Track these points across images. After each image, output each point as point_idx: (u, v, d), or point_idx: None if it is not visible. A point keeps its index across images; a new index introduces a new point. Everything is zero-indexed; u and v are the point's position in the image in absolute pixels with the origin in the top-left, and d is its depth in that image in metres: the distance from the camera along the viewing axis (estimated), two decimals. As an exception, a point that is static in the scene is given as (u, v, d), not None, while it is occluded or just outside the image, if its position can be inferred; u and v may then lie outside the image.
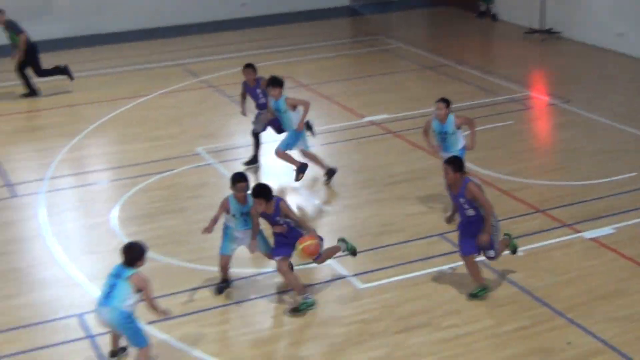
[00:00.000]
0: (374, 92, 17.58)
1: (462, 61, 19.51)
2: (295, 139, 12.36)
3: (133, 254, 7.71)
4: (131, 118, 16.32)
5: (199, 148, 14.32)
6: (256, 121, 13.37)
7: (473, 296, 9.21)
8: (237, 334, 8.70)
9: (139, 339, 7.80)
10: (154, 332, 8.67)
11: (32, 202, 12.44)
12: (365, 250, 10.39)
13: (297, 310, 9.07)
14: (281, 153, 12.43)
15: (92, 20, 23.26)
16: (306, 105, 12.27)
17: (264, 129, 13.29)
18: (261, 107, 13.22)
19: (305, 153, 12.64)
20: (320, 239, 9.06)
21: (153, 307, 7.80)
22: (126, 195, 12.49)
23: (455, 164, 8.94)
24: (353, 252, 9.73)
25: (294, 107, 12.19)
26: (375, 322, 8.98)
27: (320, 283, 9.87)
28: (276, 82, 12.14)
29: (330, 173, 12.67)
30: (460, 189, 8.91)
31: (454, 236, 9.63)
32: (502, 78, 18.00)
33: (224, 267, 9.50)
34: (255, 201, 8.89)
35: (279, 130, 12.96)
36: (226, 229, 9.40)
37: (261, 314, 9.24)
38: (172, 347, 8.59)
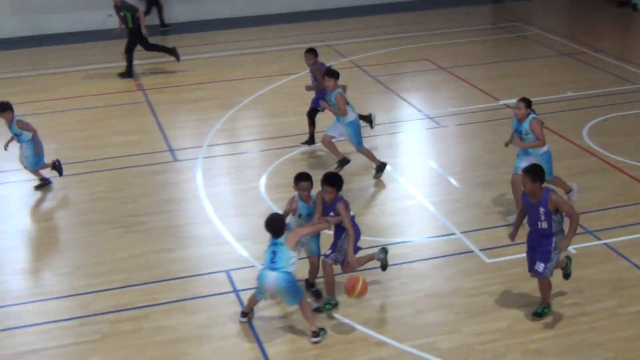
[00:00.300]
0: (511, 76, 17.19)
1: (600, 49, 18.77)
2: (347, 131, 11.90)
3: (276, 225, 7.96)
4: (282, 93, 16.59)
5: (342, 123, 14.41)
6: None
7: (537, 315, 8.41)
8: (368, 297, 8.79)
9: (299, 294, 8.06)
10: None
11: (191, 166, 12.89)
12: (494, 227, 10.28)
13: (319, 310, 8.59)
14: (327, 141, 12.04)
15: (258, 3, 23.86)
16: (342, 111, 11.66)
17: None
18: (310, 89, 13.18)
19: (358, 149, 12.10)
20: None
21: (315, 229, 8.40)
22: (274, 164, 12.75)
23: (535, 173, 7.90)
24: (384, 267, 9.03)
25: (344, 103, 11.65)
26: (498, 296, 8.88)
27: (448, 255, 9.83)
28: (332, 74, 11.78)
29: (381, 167, 12.10)
30: (540, 198, 7.93)
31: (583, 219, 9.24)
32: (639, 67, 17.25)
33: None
34: (325, 189, 8.36)
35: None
36: None
37: (390, 281, 9.28)
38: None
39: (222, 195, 11.87)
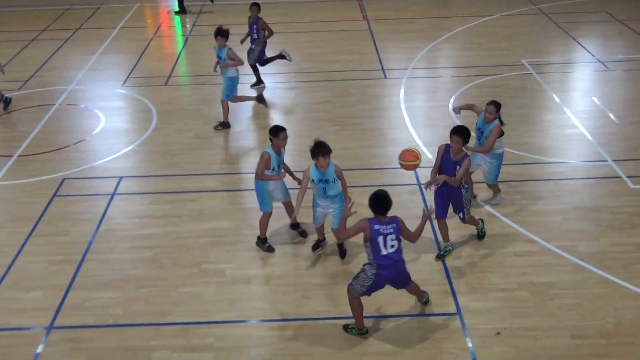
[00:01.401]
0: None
1: None
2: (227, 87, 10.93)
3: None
4: (476, 31, 16.06)
5: (524, 60, 13.84)
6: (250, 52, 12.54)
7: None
8: (525, 203, 8.63)
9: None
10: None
11: (396, 84, 12.96)
12: (643, 159, 9.67)
13: (440, 257, 7.80)
14: (223, 102, 11.04)
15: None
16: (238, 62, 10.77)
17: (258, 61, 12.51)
18: (253, 41, 12.38)
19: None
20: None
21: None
22: (462, 89, 12.55)
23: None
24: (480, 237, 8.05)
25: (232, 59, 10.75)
26: (637, 216, 8.42)
27: (599, 178, 9.38)
28: (221, 33, 10.72)
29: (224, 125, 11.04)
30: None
31: None
32: None
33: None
34: (453, 138, 7.28)
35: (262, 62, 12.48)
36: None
37: (545, 192, 9.03)
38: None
39: (418, 109, 11.90)
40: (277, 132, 7.59)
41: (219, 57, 10.91)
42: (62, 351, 6.59)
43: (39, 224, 8.66)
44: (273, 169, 7.62)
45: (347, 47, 15.12)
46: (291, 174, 8.07)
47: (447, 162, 7.38)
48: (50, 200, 9.18)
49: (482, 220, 8.12)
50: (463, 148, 7.34)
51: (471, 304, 7.07)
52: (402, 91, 12.55)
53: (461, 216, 7.70)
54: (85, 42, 15.75)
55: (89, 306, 7.23)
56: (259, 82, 12.99)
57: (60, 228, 8.57)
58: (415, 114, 11.59)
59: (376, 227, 6.10)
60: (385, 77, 13.29)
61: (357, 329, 6.64)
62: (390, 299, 7.08)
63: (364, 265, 6.35)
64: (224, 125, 11.14)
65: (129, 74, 13.70)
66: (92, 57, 14.69)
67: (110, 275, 7.68)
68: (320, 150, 7.02)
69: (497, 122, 8.01)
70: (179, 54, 15.02)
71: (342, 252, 7.82)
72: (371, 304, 6.91)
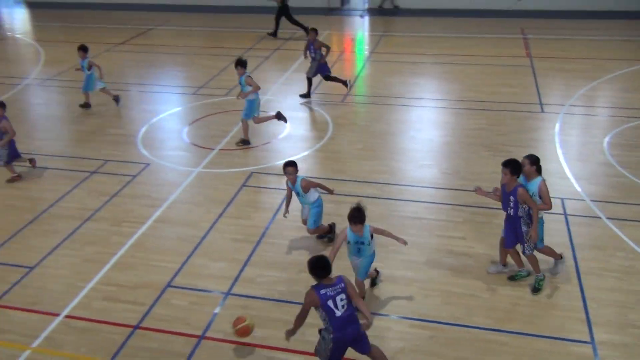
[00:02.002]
0: None
1: None
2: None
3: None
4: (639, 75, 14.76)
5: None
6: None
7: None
8: None
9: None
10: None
11: (553, 118, 12.26)
12: None
13: (512, 279, 7.33)
14: (243, 121, 11.11)
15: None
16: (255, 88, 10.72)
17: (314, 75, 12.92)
18: (313, 59, 12.93)
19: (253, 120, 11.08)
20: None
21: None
22: (618, 129, 11.60)
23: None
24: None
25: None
26: None
27: None
28: (240, 63, 10.72)
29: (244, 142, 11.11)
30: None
31: None
32: None
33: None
34: (503, 171, 6.70)
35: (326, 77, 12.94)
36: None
37: None
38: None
39: (571, 143, 11.17)
40: (284, 167, 7.78)
41: (240, 83, 10.92)
42: (234, 314, 7.00)
43: (228, 207, 9.26)
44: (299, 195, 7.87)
45: (508, 80, 14.56)
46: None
47: (503, 194, 6.86)
48: (240, 189, 9.77)
49: (544, 275, 7.17)
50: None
51: (606, 337, 6.51)
52: (557, 125, 11.85)
53: (522, 250, 7.03)
54: (282, 61, 16.57)
55: (260, 281, 7.60)
56: (308, 95, 13.23)
57: (245, 213, 9.09)
58: (568, 148, 10.90)
59: (322, 292, 5.40)
60: (542, 111, 12.62)
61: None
62: (526, 319, 6.72)
63: (322, 330, 5.65)
64: (245, 142, 11.21)
65: (314, 89, 14.21)
66: (285, 74, 15.43)
67: (279, 258, 8.01)
68: (354, 217, 6.33)
69: (541, 177, 6.80)
70: (357, 76, 15.32)
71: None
72: (512, 318, 6.60)
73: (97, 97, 13.86)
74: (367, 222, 6.52)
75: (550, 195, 6.96)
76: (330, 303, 5.40)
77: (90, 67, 13.02)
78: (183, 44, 18.43)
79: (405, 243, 6.48)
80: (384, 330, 6.71)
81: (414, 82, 14.50)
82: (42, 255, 8.21)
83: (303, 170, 10.29)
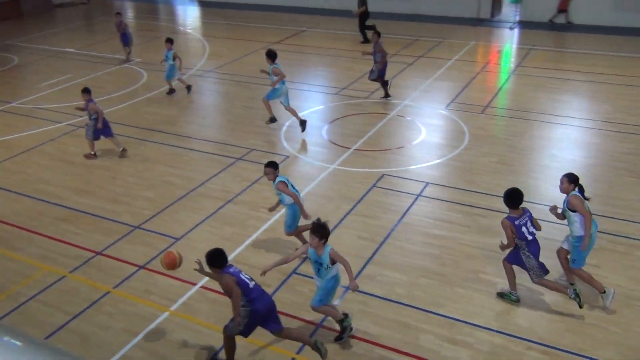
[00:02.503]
0: None
1: None
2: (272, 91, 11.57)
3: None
4: None
5: None
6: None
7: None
8: None
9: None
10: None
11: None
12: None
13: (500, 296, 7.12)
14: (264, 101, 11.81)
15: None
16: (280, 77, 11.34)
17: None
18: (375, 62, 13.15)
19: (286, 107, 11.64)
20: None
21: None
22: None
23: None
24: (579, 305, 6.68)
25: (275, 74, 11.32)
26: None
27: None
28: (268, 54, 11.41)
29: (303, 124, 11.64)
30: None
31: None
32: None
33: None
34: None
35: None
36: None
37: None
38: None
39: None
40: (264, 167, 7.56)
41: (268, 73, 11.55)
42: (353, 309, 7.04)
43: (358, 205, 9.33)
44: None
45: (667, 105, 13.23)
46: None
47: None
48: (370, 189, 9.81)
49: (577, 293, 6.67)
50: None
51: None
52: None
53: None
54: (424, 68, 16.36)
55: (380, 280, 7.58)
56: (387, 96, 13.59)
57: (373, 212, 9.11)
58: None
59: (231, 270, 5.83)
60: (703, 141, 11.32)
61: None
62: (596, 344, 6.09)
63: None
64: (272, 120, 12.16)
65: (454, 99, 13.88)
66: (426, 81, 15.22)
67: (401, 260, 7.94)
68: (314, 230, 5.99)
69: (575, 192, 6.67)
70: (500, 89, 14.73)
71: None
72: (576, 343, 6.01)
73: (249, 91, 14.59)
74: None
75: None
76: (242, 276, 5.83)
77: (174, 58, 13.87)
78: (331, 46, 18.84)
79: (355, 289, 5.94)
80: (499, 349, 6.41)
81: (560, 99, 13.65)
82: (187, 229, 8.82)
83: (434, 178, 10.10)
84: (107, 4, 28.24)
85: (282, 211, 8.72)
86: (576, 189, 6.71)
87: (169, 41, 14.01)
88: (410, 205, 9.25)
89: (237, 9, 25.44)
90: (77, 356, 2.07)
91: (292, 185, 7.55)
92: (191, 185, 10.10)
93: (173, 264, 6.13)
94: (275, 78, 11.48)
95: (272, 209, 7.88)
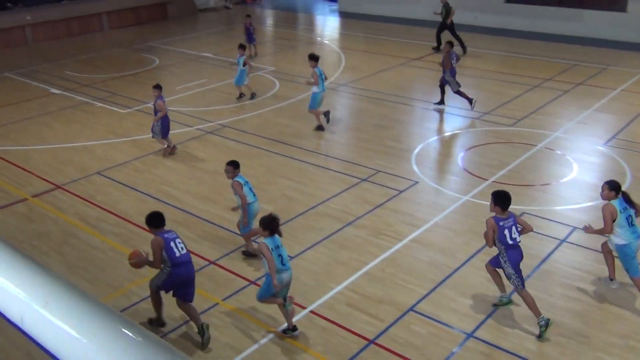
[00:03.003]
0: None
1: None
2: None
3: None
4: None
5: None
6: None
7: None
8: None
9: None
10: None
11: None
12: None
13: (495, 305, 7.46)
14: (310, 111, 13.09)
15: None
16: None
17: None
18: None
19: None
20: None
21: None
22: None
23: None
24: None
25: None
26: None
27: None
28: (310, 57, 12.61)
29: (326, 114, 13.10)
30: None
31: None
32: None
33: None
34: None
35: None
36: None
37: None
38: None
39: None
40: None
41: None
42: (473, 358, 6.69)
43: (489, 244, 8.93)
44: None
45: None
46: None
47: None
48: (506, 227, 9.36)
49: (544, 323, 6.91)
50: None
51: None
52: None
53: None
54: (583, 97, 15.44)
55: (507, 332, 7.15)
56: (440, 102, 14.45)
57: (506, 254, 8.65)
58: None
59: (166, 235, 6.84)
60: None
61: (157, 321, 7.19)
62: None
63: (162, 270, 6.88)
64: (319, 127, 13.24)
65: (615, 134, 12.93)
66: (584, 112, 14.33)
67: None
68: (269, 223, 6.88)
69: (608, 202, 7.30)
70: (674, 127, 13.49)
71: None
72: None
73: (383, 109, 14.63)
74: None
75: None
76: (172, 245, 6.82)
77: (245, 64, 14.80)
78: (475, 65, 18.41)
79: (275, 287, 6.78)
80: None
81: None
82: (302, 248, 8.94)
83: (583, 223, 9.40)
84: (249, 11, 29.92)
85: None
86: (619, 196, 7.29)
87: (241, 47, 15.06)
88: (552, 251, 8.68)
89: (379, 21, 25.75)
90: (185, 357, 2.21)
91: (249, 189, 8.28)
92: (311, 202, 10.25)
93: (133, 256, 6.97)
94: (313, 83, 12.82)
95: (234, 209, 8.52)
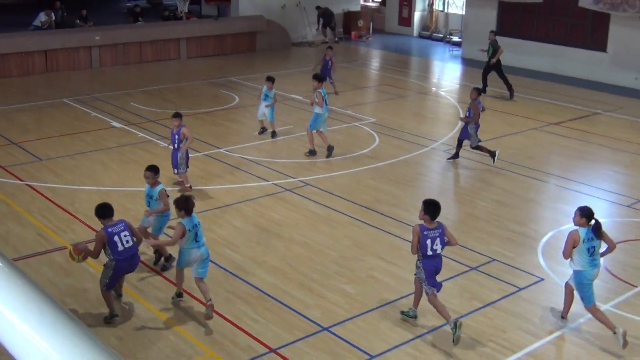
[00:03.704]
0: None
1: None
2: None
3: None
4: None
5: None
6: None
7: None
8: None
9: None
10: None
11: None
12: None
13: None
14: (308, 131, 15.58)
15: None
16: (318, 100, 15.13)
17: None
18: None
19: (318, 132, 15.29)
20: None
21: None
22: None
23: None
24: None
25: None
26: None
27: None
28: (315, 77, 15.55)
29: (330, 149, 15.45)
30: None
31: None
32: None
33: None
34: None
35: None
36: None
37: None
38: None
39: None
40: (145, 170, 10.26)
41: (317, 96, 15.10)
42: None
43: (633, 371, 8.45)
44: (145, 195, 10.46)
45: None
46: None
47: None
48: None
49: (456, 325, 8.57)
50: None
51: None
52: None
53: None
54: None
55: None
56: (454, 157, 15.49)
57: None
58: None
59: (110, 230, 8.77)
60: None
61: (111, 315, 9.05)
62: None
63: (105, 264, 8.99)
64: (312, 152, 15.60)
65: None
66: None
67: None
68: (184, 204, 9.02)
69: (577, 229, 8.79)
70: None
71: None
72: None
73: (506, 181, 14.44)
74: None
75: None
76: (116, 239, 8.72)
77: (275, 101, 16.70)
78: (633, 139, 17.91)
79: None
80: None
81: None
82: (386, 347, 8.83)
83: None
84: (352, 49, 30.72)
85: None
86: (590, 224, 8.69)
87: (270, 80, 16.59)
88: None
89: (511, 72, 25.68)
90: None
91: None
92: (404, 289, 10.14)
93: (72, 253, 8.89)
94: (317, 103, 15.05)
95: (148, 213, 10.23)
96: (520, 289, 10.33)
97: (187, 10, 29.31)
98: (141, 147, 16.12)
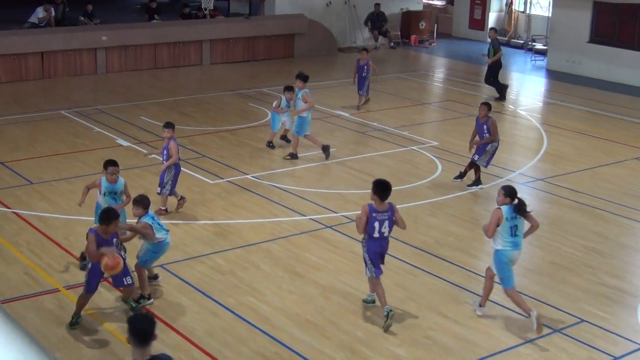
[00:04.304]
0: None
1: None
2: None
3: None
4: None
5: None
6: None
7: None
8: None
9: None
10: None
11: None
12: None
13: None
14: (294, 137, 17.25)
15: None
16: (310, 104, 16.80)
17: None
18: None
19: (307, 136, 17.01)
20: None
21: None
22: None
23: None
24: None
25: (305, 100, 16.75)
26: None
27: None
28: (299, 76, 17.02)
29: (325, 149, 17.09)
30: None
31: None
32: None
33: None
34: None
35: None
36: (97, 207, 11.52)
37: None
38: None
39: None
40: (106, 166, 11.52)
41: (297, 98, 16.91)
42: None
43: None
44: (104, 195, 11.53)
45: None
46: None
47: None
48: None
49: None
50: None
51: None
52: None
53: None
54: None
55: None
56: (462, 176, 16.10)
57: None
58: None
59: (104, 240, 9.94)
60: None
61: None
62: None
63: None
64: (293, 156, 17.04)
65: None
66: None
67: None
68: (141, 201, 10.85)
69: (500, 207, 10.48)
70: None
71: None
72: None
73: (599, 224, 14.20)
74: None
75: None
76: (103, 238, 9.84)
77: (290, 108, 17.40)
78: None
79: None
80: None
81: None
82: None
83: None
84: (411, 56, 30.70)
85: None
86: (514, 203, 10.22)
87: (290, 90, 17.25)
88: None
89: (610, 89, 25.44)
90: None
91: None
92: (469, 355, 9.99)
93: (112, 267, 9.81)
94: (302, 105, 16.60)
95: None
96: (616, 358, 10.10)
97: (212, 7, 29.55)
98: (152, 171, 16.10)
